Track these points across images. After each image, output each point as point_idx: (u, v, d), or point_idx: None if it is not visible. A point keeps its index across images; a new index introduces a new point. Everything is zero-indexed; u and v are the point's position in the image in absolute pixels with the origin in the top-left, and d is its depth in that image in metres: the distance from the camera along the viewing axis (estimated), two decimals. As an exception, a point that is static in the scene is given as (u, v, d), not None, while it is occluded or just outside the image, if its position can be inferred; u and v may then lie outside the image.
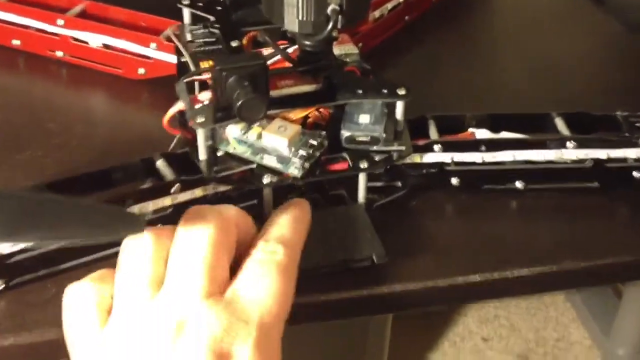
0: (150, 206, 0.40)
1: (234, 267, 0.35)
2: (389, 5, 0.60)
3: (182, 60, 0.49)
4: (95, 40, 0.54)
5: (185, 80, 0.44)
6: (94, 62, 0.55)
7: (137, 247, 0.34)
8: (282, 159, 0.41)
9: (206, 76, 0.44)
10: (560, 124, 0.47)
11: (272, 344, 0.33)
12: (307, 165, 0.41)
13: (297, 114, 0.43)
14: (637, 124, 0.46)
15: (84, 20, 0.54)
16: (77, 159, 0.48)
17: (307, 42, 0.43)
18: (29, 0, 0.56)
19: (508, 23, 0.68)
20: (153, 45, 0.52)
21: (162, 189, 0.40)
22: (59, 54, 0.56)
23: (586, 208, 0.46)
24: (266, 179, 0.41)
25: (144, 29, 0.55)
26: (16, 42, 0.56)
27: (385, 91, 0.43)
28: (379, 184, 0.45)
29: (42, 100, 0.54)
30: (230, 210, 0.35)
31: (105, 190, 0.42)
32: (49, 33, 0.55)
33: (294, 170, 0.41)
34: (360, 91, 0.43)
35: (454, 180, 0.46)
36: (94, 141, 0.50)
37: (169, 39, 0.52)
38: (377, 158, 0.43)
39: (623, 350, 1.18)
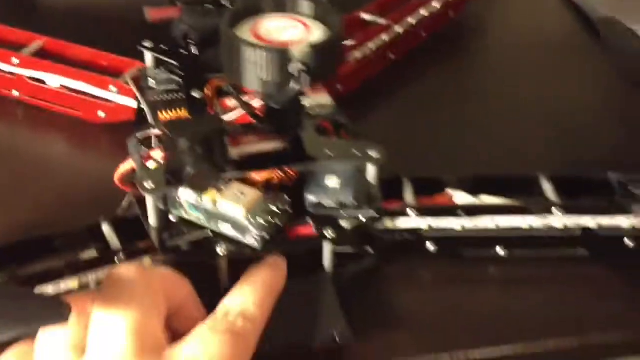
0: (91, 277, 0.36)
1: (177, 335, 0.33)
2: (372, 45, 0.56)
3: (141, 107, 0.46)
4: (52, 80, 0.50)
5: (138, 136, 0.41)
6: (52, 104, 0.51)
7: None
8: (239, 228, 0.38)
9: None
10: (547, 187, 0.43)
11: None
12: (266, 235, 0.38)
13: (261, 174, 0.40)
14: (631, 188, 0.43)
15: (40, 60, 0.51)
16: (27, 218, 0.44)
17: (272, 100, 0.40)
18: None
19: (502, 62, 0.63)
20: (113, 88, 0.49)
21: (105, 258, 0.37)
22: (16, 93, 0.52)
23: (575, 278, 0.42)
24: (221, 249, 0.37)
25: (105, 68, 0.51)
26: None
27: (358, 153, 0.39)
28: (347, 250, 0.41)
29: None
30: (156, 276, 0.34)
31: (46, 258, 0.38)
32: (4, 72, 0.51)
33: (252, 241, 0.37)
34: (329, 152, 0.39)
35: (431, 246, 0.42)
36: (46, 197, 0.46)
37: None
38: (345, 225, 0.39)
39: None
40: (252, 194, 0.38)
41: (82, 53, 0.52)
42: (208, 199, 0.38)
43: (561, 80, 0.60)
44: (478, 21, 0.68)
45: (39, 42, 0.53)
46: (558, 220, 0.41)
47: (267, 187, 0.39)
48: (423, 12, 0.60)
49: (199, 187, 0.36)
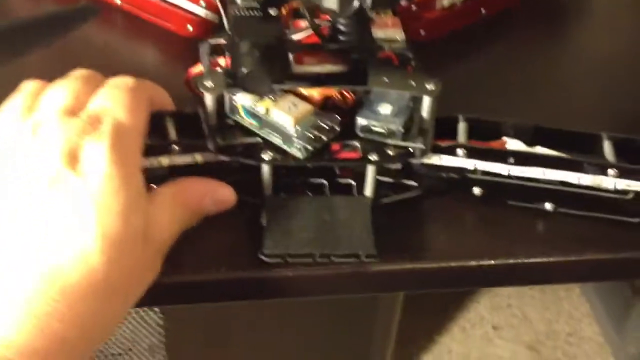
0: (144, 162, 0.39)
1: None
2: (461, -4, 0.56)
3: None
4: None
5: (211, 42, 0.43)
6: (148, 14, 0.54)
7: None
8: (286, 138, 0.39)
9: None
10: (608, 148, 0.42)
11: (128, 149, 0.35)
12: (311, 147, 0.39)
13: (319, 93, 0.41)
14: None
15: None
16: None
17: (340, 20, 0.41)
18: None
19: (603, 30, 0.61)
20: (202, 2, 0.51)
21: (161, 147, 0.39)
22: (117, 1, 0.55)
23: (621, 244, 0.41)
24: (266, 156, 0.39)
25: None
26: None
27: (413, 84, 0.40)
28: (391, 180, 0.42)
29: (93, 46, 0.55)
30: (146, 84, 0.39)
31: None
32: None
33: (296, 151, 0.39)
34: (386, 79, 0.40)
35: (476, 190, 0.42)
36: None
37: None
38: (391, 153, 0.40)
39: (635, 348, 1.11)
40: (304, 107, 0.40)
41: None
42: (262, 106, 0.40)
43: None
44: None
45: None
46: (611, 181, 0.40)
47: (323, 107, 0.41)
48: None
49: (252, 89, 0.38)
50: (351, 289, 0.41)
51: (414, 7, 0.54)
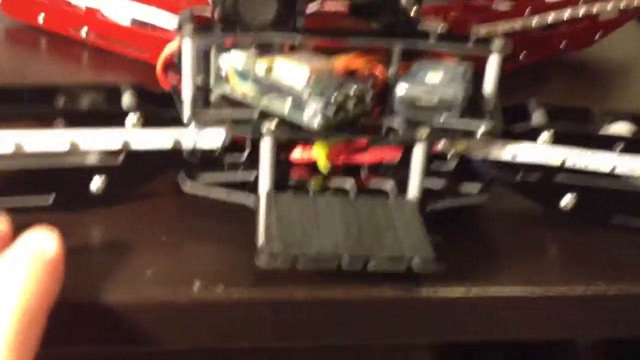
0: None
1: None
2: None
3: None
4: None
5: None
6: (121, 44, 0.44)
7: None
8: (296, 103, 0.27)
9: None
10: None
11: None
12: (330, 113, 0.27)
13: (342, 63, 0.29)
14: None
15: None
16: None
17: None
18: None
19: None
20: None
21: (114, 117, 0.27)
22: (83, 34, 0.46)
23: None
24: (267, 127, 0.27)
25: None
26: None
27: (472, 44, 0.29)
28: (441, 182, 0.30)
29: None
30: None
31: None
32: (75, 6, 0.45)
33: (309, 118, 0.27)
34: (433, 39, 0.29)
35: (565, 200, 0.29)
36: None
37: None
38: (444, 136, 0.28)
39: None
40: (323, 62, 0.28)
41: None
42: (263, 64, 0.28)
43: None
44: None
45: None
46: None
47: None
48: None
49: (246, 17, 0.26)
50: (392, 328, 0.26)
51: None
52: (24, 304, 0.21)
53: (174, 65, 0.32)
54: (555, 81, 0.48)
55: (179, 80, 0.30)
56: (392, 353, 0.63)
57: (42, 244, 0.23)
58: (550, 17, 0.49)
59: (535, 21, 0.48)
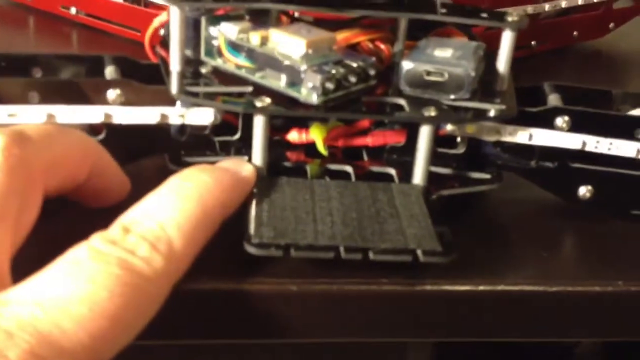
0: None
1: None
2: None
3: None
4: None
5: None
6: (112, 23, 0.42)
7: None
8: (293, 76, 0.25)
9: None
10: None
11: None
12: (330, 87, 0.25)
13: (342, 38, 0.27)
14: None
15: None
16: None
17: None
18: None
19: None
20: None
21: (96, 86, 0.25)
22: (73, 11, 0.43)
23: None
24: (260, 102, 0.25)
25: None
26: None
27: (485, 15, 0.27)
28: (447, 171, 0.27)
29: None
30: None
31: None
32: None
33: (307, 92, 0.25)
34: (443, 10, 0.27)
35: (583, 190, 0.27)
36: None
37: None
38: (454, 116, 0.26)
39: None
40: (321, 34, 0.26)
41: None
42: (257, 36, 0.26)
43: None
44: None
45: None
46: None
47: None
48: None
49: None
50: (389, 327, 0.24)
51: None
52: (208, 203, 0.22)
53: (162, 38, 0.30)
54: (568, 70, 0.46)
55: (168, 54, 0.28)
56: (390, 352, 0.61)
57: (240, 167, 0.25)
58: (564, 2, 0.47)
59: (547, 6, 0.46)
